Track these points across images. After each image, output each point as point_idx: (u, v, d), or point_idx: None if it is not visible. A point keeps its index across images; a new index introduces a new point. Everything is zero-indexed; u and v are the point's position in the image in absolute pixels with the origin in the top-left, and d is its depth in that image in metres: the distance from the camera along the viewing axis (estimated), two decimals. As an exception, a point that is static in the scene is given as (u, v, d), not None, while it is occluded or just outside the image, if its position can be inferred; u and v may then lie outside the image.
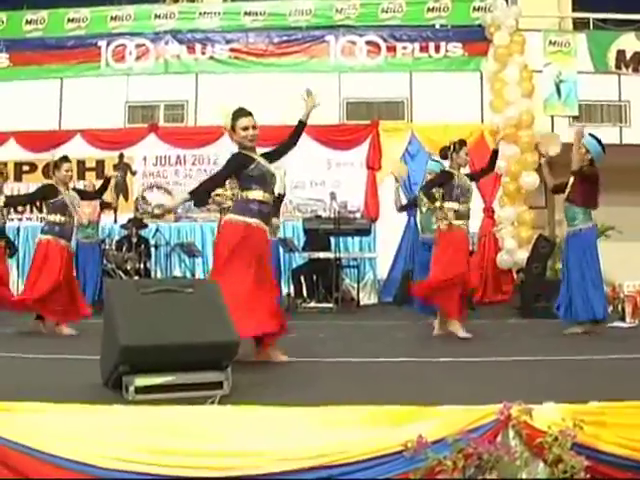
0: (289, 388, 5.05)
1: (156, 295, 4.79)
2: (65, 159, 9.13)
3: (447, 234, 8.37)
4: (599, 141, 8.46)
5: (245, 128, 6.28)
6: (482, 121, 14.73)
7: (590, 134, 8.59)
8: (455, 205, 8.38)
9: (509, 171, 13.89)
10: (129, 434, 3.54)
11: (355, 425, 3.61)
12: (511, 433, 3.55)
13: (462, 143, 8.61)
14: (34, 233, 14.52)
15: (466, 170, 8.81)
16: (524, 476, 3.46)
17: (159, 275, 14.04)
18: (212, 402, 4.15)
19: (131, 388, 4.44)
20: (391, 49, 15.21)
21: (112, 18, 15.68)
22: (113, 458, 3.44)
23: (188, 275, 14.35)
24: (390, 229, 14.17)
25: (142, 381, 4.45)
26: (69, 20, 15.70)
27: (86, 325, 8.68)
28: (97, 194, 10.26)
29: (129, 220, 13.83)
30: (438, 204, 8.53)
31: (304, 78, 14.50)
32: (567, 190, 8.55)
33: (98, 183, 12.83)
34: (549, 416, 3.57)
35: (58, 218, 8.86)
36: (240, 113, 6.31)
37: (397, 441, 3.46)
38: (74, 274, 9.67)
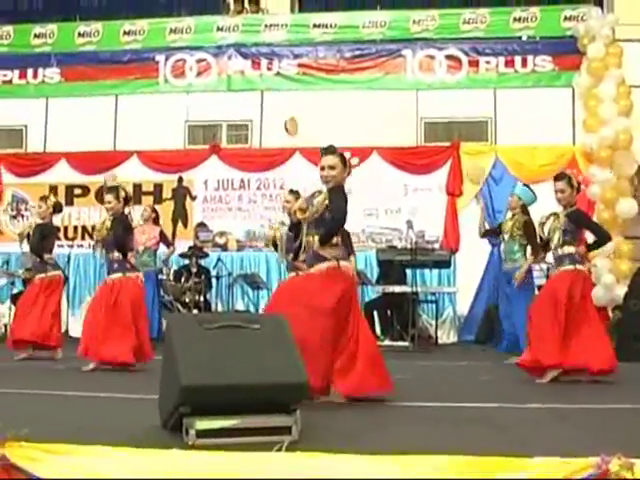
0: (361, 434, 5.04)
1: (220, 331, 4.83)
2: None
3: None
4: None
5: (321, 168, 6.64)
6: (574, 142, 14.60)
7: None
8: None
9: (604, 198, 13.60)
10: (189, 481, 3.57)
11: (434, 476, 3.59)
12: (609, 490, 3.50)
13: (555, 178, 8.55)
14: (86, 261, 14.91)
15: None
16: (622, 536, 3.40)
17: (220, 308, 14.20)
18: (279, 449, 4.16)
19: (192, 431, 4.47)
20: (473, 64, 15.19)
21: (171, 30, 15.91)
22: (172, 505, 3.48)
23: (252, 309, 14.46)
24: (471, 261, 14.14)
25: (204, 424, 4.49)
26: (125, 33, 15.96)
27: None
28: None
29: (189, 248, 14.03)
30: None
31: (378, 96, 14.69)
32: None
33: (157, 208, 13.22)
34: (653, 471, 3.51)
35: None
36: (321, 151, 6.72)
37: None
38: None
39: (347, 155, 6.72)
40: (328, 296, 6.37)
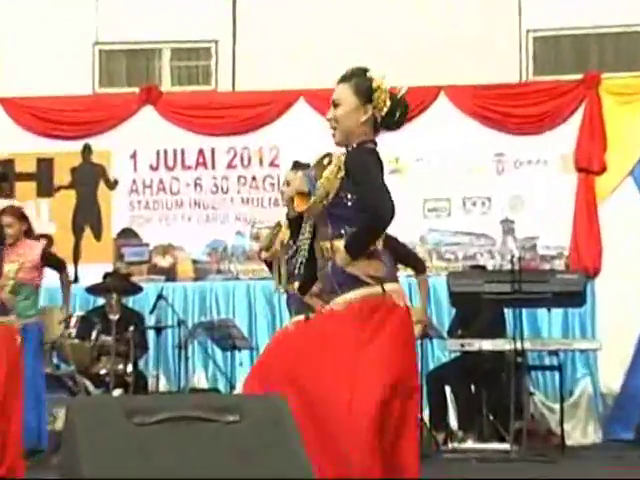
0: None
1: (165, 429, 4.71)
2: None
3: None
4: None
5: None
6: None
7: None
8: None
9: None
10: None
11: None
12: None
13: None
14: None
15: None
16: None
17: (163, 386, 14.30)
18: None
19: None
20: None
21: None
22: None
23: (221, 387, 14.54)
24: (624, 292, 14.06)
25: None
26: None
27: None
28: None
29: (104, 276, 14.00)
30: None
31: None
32: None
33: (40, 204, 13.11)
34: None
35: None
36: None
37: None
38: None
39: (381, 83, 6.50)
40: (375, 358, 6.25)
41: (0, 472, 9.11)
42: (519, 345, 12.46)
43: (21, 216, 12.23)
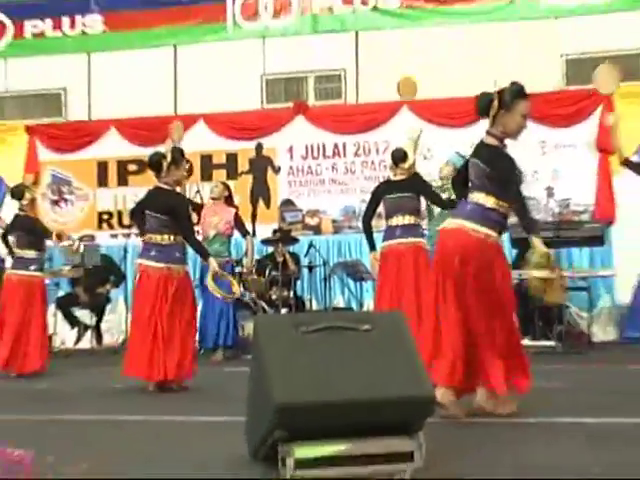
0: (499, 456, 5.06)
1: (321, 335, 4.77)
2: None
3: None
4: None
5: (524, 116, 6.59)
6: None
7: None
8: None
9: None
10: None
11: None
12: None
13: None
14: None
15: None
16: None
17: (315, 306, 14.37)
18: (401, 479, 4.19)
19: (289, 461, 4.44)
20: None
21: (241, -38, 15.99)
22: None
23: (354, 306, 14.58)
24: (633, 235, 13.92)
25: (305, 451, 4.45)
26: (183, -34, 16.09)
27: (222, 375, 8.89)
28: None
29: (273, 232, 14.18)
30: None
31: (504, 28, 14.52)
32: None
33: (230, 185, 13.20)
34: None
35: None
36: (521, 91, 6.58)
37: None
38: None
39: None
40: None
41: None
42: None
43: (226, 186, 12.49)
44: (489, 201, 6.49)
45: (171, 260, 8.91)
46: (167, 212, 8.94)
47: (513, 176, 6.57)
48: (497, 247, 6.69)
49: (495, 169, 6.51)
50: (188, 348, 9.01)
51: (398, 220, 10.56)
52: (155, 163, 9.06)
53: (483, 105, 6.53)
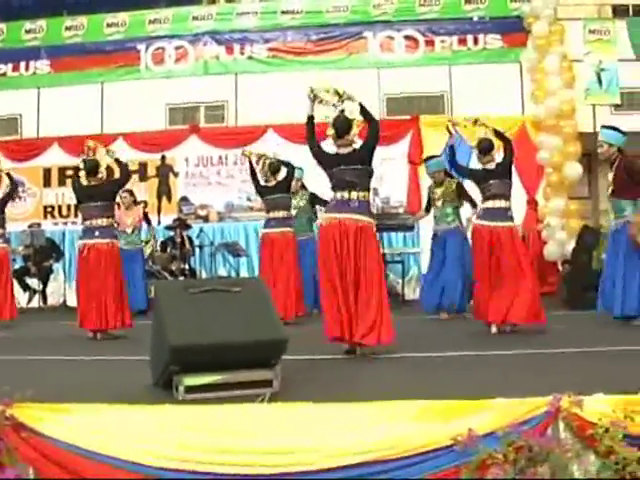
0: (339, 385, 5.08)
1: (204, 295, 4.84)
2: None
3: None
4: (614, 128, 8.31)
5: None
6: (523, 112, 14.61)
7: (602, 126, 8.55)
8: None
9: (552, 162, 13.68)
10: (180, 433, 3.59)
11: (405, 420, 3.62)
12: (561, 425, 3.53)
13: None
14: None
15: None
16: (575, 468, 3.44)
17: (204, 275, 14.13)
18: (262, 400, 4.19)
19: (181, 388, 4.51)
20: (429, 43, 15.19)
21: (150, 21, 15.85)
22: (165, 457, 3.50)
23: (233, 275, 14.36)
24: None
25: (192, 380, 4.52)
26: (108, 25, 15.89)
27: (136, 326, 8.77)
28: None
29: (173, 220, 13.97)
30: None
31: (343, 75, 14.49)
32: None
33: (141, 186, 13.02)
34: (599, 407, 3.54)
35: None
36: None
37: (448, 435, 3.47)
38: None
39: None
40: None
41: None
42: (382, 251, 12.56)
43: (131, 193, 12.34)
44: None
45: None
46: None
47: None
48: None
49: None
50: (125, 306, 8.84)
51: None
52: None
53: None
